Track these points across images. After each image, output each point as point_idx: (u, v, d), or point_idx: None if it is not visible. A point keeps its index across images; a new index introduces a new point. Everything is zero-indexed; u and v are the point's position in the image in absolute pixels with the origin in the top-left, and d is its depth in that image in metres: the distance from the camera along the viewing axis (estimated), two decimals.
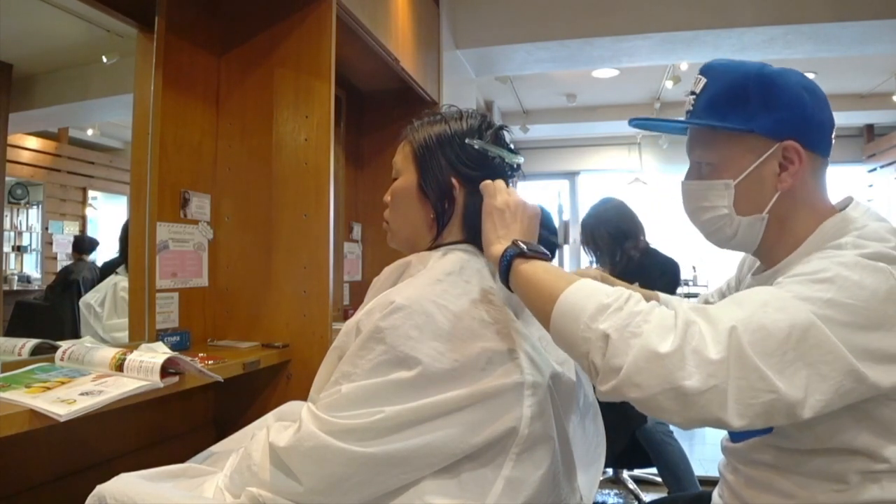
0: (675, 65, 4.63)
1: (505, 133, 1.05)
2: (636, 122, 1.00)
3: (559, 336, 0.77)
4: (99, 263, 2.00)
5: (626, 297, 0.73)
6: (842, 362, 0.68)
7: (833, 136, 0.90)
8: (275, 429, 0.89)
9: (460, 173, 1.00)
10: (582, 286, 0.76)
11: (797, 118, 0.86)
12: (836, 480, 0.79)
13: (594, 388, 0.74)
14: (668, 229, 6.80)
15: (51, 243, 1.95)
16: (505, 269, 0.86)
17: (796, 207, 0.88)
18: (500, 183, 0.96)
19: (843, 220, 0.86)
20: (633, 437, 2.42)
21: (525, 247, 0.85)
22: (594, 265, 2.60)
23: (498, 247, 0.88)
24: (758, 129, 0.85)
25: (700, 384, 0.65)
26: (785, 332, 0.68)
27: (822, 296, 0.71)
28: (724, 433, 0.96)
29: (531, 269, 0.83)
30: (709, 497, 1.05)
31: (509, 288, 0.88)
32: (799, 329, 0.68)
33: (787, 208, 0.88)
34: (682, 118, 0.94)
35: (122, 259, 1.85)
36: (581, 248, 2.70)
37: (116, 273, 1.90)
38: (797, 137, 0.85)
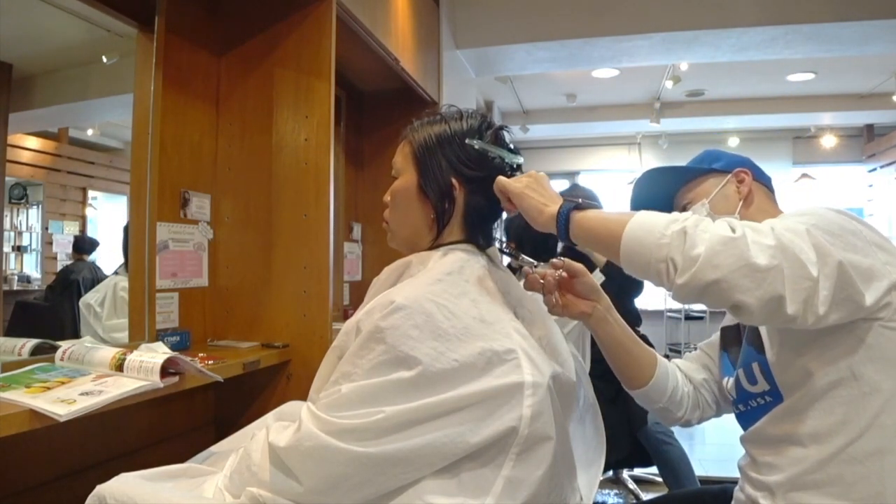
0: (675, 65, 4.63)
1: (505, 133, 1.05)
2: (649, 172, 1.24)
3: (633, 253, 0.85)
4: (99, 264, 2.00)
5: (687, 213, 0.86)
6: (833, 258, 0.82)
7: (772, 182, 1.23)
8: (274, 429, 0.89)
9: (460, 173, 1.00)
10: (645, 213, 0.87)
11: (739, 160, 1.21)
12: (844, 423, 0.88)
13: (672, 287, 0.82)
14: None
15: (51, 243, 1.95)
16: (564, 222, 0.93)
17: (757, 214, 1.12)
18: (502, 177, 1.00)
19: None
20: (634, 437, 2.42)
21: (577, 201, 0.95)
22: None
23: (551, 208, 0.95)
24: (716, 167, 1.21)
25: (767, 261, 0.77)
26: (802, 235, 0.82)
27: (808, 221, 0.85)
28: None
29: (592, 213, 0.93)
30: (706, 493, 1.11)
31: (569, 241, 0.94)
32: (805, 236, 0.82)
33: (751, 214, 1.14)
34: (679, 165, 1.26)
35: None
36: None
37: (116, 273, 1.91)
38: (743, 168, 1.18)
